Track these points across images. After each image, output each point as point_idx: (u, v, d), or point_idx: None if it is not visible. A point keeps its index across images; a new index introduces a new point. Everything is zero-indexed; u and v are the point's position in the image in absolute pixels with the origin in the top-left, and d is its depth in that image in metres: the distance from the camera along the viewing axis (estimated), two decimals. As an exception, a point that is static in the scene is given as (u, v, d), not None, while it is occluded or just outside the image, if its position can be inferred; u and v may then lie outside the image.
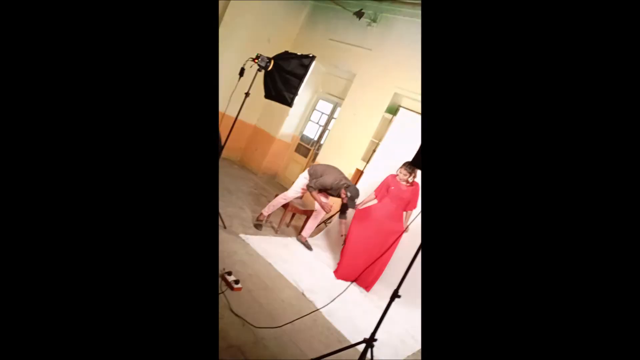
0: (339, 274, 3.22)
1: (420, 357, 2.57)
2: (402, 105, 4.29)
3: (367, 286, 3.18)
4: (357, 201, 3.33)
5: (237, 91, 2.89)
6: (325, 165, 3.63)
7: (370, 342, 1.78)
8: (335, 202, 3.70)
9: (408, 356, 2.51)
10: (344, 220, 3.47)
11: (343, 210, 3.44)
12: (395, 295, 1.74)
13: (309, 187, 3.41)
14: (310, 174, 3.48)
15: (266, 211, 3.53)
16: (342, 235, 3.44)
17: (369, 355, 1.79)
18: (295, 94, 2.94)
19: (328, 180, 3.34)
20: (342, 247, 3.34)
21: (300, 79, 2.91)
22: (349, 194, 3.22)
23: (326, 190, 3.42)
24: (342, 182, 3.33)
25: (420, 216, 2.23)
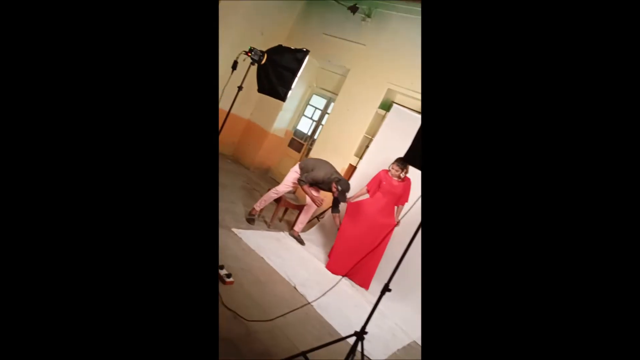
0: (330, 266, 3.25)
1: (410, 351, 2.61)
2: (395, 101, 4.30)
3: (363, 283, 3.21)
4: (349, 195, 3.35)
5: (229, 85, 2.86)
6: (316, 159, 3.63)
7: (360, 335, 1.80)
8: (326, 196, 3.72)
9: (398, 349, 2.54)
10: (337, 215, 3.49)
11: (335, 204, 3.46)
12: (385, 289, 1.76)
13: (300, 181, 3.41)
14: (301, 168, 3.48)
15: (258, 206, 3.53)
16: (338, 228, 3.47)
17: (359, 348, 1.81)
18: (288, 88, 2.92)
19: (319, 174, 3.35)
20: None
21: (294, 73, 2.89)
22: (339, 188, 3.24)
23: (317, 184, 3.43)
24: (333, 176, 3.34)
25: (411, 210, 2.26)
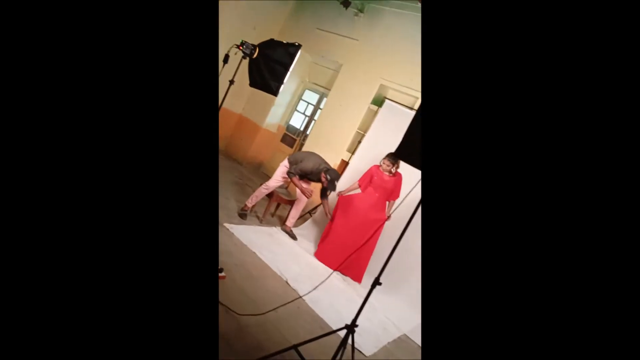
0: (319, 255, 3.29)
1: (400, 344, 2.65)
2: (387, 96, 4.32)
3: (356, 277, 3.25)
4: (339, 187, 3.37)
5: (221, 78, 2.84)
6: (305, 152, 3.66)
7: (351, 328, 1.82)
8: (316, 188, 3.73)
9: (389, 342, 2.58)
10: (326, 201, 3.52)
11: (324, 192, 3.49)
12: (376, 282, 1.77)
13: (289, 174, 3.43)
14: (290, 162, 3.50)
15: (250, 202, 3.53)
16: (327, 215, 3.49)
17: (350, 341, 1.83)
18: (281, 82, 2.90)
19: (308, 165, 3.37)
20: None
21: (286, 67, 2.88)
22: (329, 177, 3.27)
23: (306, 176, 3.45)
24: (321, 166, 3.37)
25: (402, 205, 2.28)
